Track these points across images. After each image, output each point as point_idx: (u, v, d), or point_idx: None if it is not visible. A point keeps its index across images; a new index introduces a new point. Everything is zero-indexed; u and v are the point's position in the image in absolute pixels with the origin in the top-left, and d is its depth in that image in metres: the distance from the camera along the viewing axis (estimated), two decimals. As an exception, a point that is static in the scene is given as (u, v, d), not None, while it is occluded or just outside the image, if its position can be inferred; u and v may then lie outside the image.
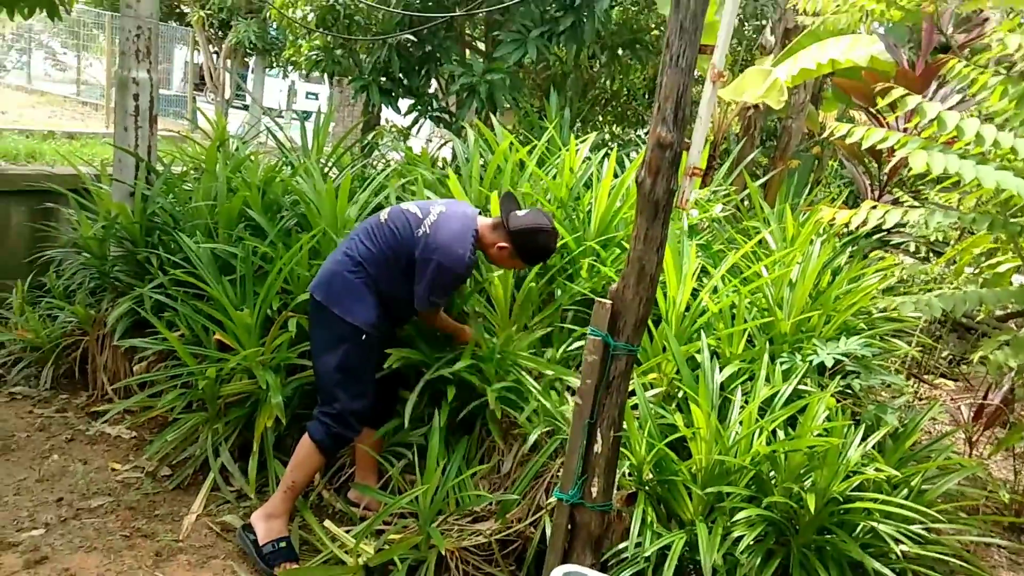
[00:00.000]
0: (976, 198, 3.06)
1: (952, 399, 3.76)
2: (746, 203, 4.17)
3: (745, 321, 2.80)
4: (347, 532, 2.53)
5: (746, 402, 2.46)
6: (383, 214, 2.65)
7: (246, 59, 15.90)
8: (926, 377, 3.73)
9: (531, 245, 2.55)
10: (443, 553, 2.38)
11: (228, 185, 3.50)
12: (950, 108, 2.58)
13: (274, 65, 14.86)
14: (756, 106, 5.07)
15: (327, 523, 2.57)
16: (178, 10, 12.66)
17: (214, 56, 12.89)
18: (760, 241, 3.31)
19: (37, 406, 3.28)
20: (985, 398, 3.29)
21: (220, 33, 12.31)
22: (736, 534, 2.13)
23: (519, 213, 2.57)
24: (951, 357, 4.25)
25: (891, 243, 3.43)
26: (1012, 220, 2.46)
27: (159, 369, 3.12)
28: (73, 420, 3.20)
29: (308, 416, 2.67)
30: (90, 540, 2.44)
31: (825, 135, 3.17)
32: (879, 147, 2.31)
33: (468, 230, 2.54)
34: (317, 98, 15.97)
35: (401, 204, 2.71)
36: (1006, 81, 2.32)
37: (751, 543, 2.13)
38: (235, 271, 3.11)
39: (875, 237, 3.35)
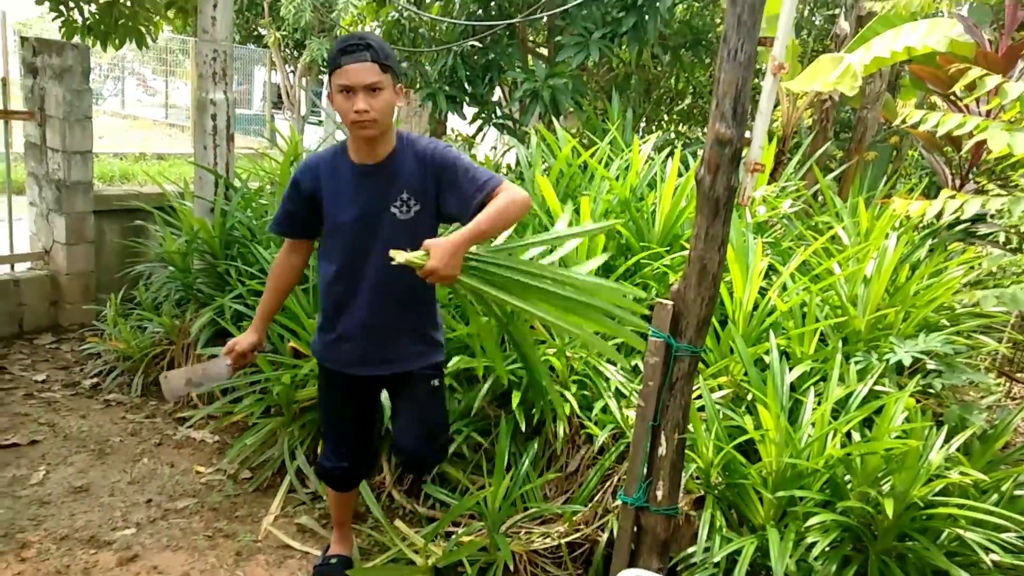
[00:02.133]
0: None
1: (1051, 399, 3.52)
2: (819, 198, 4.03)
3: (817, 320, 2.71)
4: (416, 533, 2.58)
5: (818, 403, 2.37)
6: None
7: (320, 76, 16.44)
8: (1018, 376, 3.50)
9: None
10: (512, 556, 2.39)
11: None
12: (1036, 89, 2.42)
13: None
14: (830, 97, 4.89)
15: (397, 523, 2.62)
16: (256, 32, 13.22)
17: (290, 75, 13.40)
18: (832, 237, 3.19)
19: (129, 412, 3.48)
20: (1087, 398, 3.06)
21: (295, 53, 12.80)
22: (810, 540, 2.06)
23: None
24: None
25: (977, 234, 3.24)
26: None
27: (239, 376, 3.26)
28: (161, 425, 3.39)
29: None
30: (176, 540, 2.57)
31: (901, 124, 3.03)
32: (956, 133, 2.19)
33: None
34: (387, 111, 16.30)
35: None
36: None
37: (826, 549, 2.05)
38: (307, 281, 3.22)
39: (958, 228, 3.17)
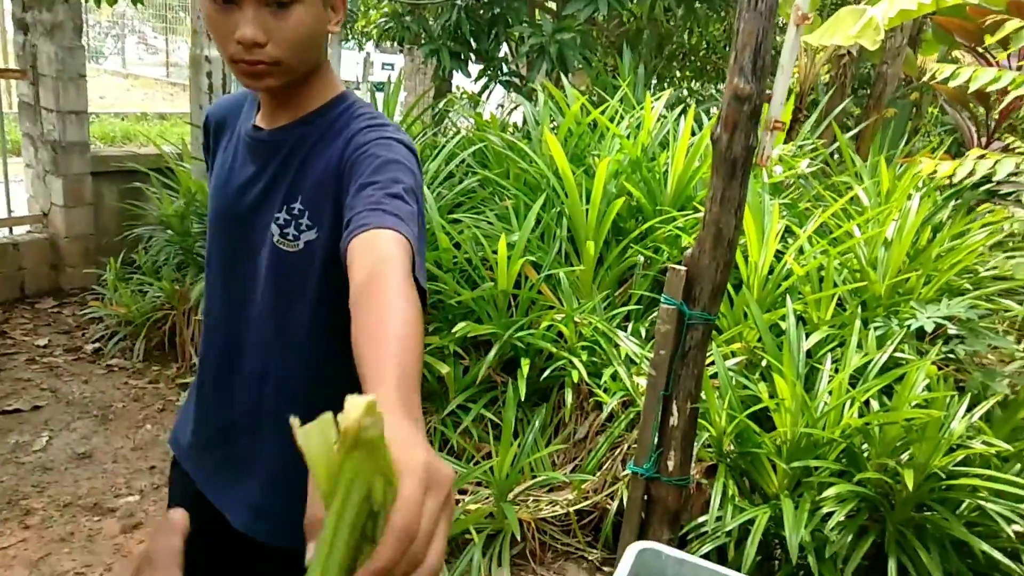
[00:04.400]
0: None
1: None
2: (836, 157, 3.90)
3: (835, 284, 2.62)
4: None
5: (836, 371, 2.30)
6: None
7: (322, 33, 16.09)
8: (1042, 341, 3.41)
9: None
10: (520, 524, 2.36)
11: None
12: (1074, 40, 2.29)
13: (349, 37, 15.01)
14: (848, 52, 4.72)
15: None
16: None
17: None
18: (852, 198, 3.08)
19: (132, 377, 3.44)
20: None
21: None
22: (825, 510, 2.01)
23: None
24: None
25: (999, 194, 3.12)
26: None
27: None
28: (164, 391, 3.35)
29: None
30: (181, 506, 2.55)
31: (925, 79, 2.88)
32: (989, 89, 2.07)
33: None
34: (392, 68, 16.04)
35: None
36: None
37: (842, 520, 2.00)
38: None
39: (982, 189, 3.05)
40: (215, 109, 1.24)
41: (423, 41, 5.20)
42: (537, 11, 5.28)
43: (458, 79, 5.82)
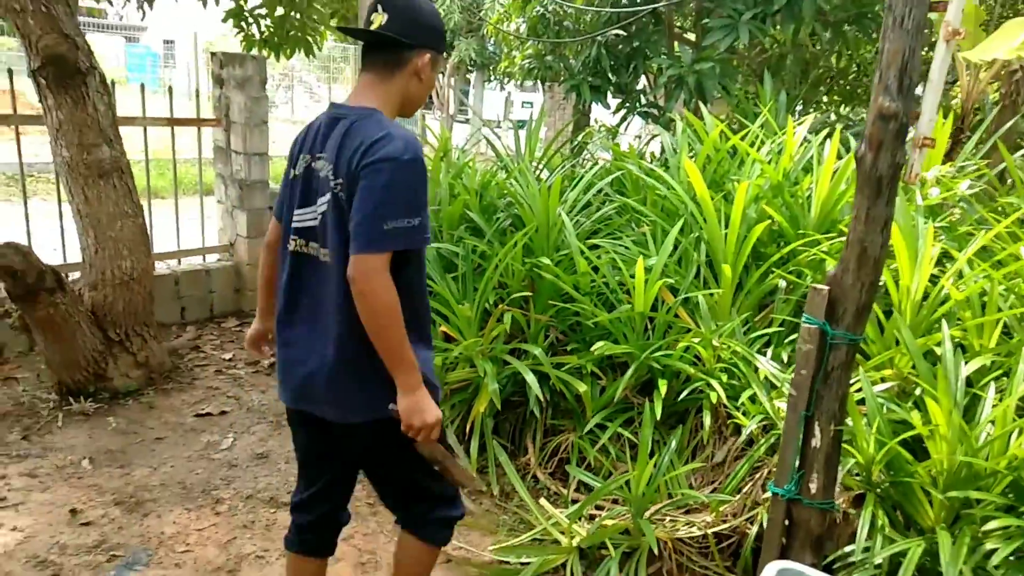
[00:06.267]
0: None
1: None
2: (1007, 180, 3.64)
3: (999, 310, 2.46)
4: (561, 513, 2.64)
5: (1000, 399, 2.16)
6: None
7: (467, 75, 16.99)
8: None
9: (438, 23, 1.76)
10: (656, 543, 2.39)
11: (450, 191, 3.80)
12: None
13: (492, 78, 15.72)
14: (1020, 68, 4.39)
15: (542, 501, 2.70)
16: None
17: (440, 75, 13.98)
18: (1020, 220, 2.88)
19: (301, 389, 3.81)
20: None
21: (444, 53, 13.35)
22: (989, 546, 1.89)
23: (382, 17, 1.66)
24: None
25: None
26: None
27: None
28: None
29: (520, 404, 2.82)
30: (342, 505, 2.80)
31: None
32: None
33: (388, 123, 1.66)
34: (532, 106, 16.58)
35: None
36: None
37: (1009, 558, 1.87)
38: (457, 268, 3.37)
39: None
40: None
41: (564, 78, 5.42)
42: (676, 43, 5.35)
43: (597, 112, 5.98)
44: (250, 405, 3.59)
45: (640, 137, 6.88)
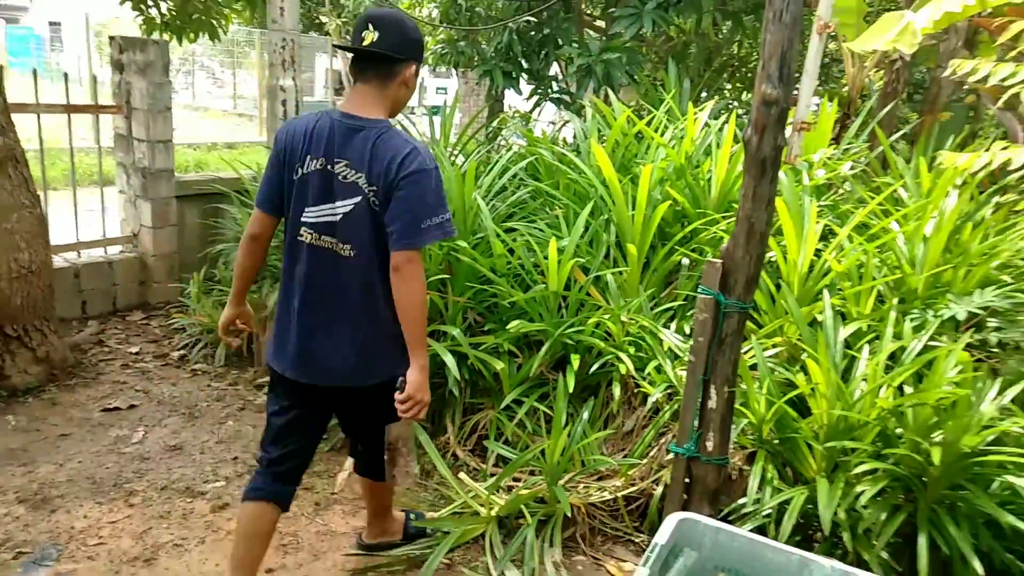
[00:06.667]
0: None
1: None
2: (885, 161, 3.96)
3: (873, 279, 2.71)
4: (480, 486, 2.73)
5: (873, 359, 2.39)
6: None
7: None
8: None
9: (420, 36, 2.01)
10: (570, 508, 2.51)
11: (364, 176, 3.80)
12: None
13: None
14: (900, 58, 4.75)
15: (461, 475, 2.78)
16: (317, 21, 13.57)
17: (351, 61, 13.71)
18: (893, 197, 3.16)
19: (214, 380, 3.75)
20: None
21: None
22: (859, 489, 2.11)
23: (373, 34, 1.88)
24: None
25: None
26: None
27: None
28: (243, 392, 3.64)
29: (440, 385, 2.89)
30: (262, 491, 2.80)
31: (964, 78, 2.94)
32: (1007, 83, 2.16)
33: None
34: (446, 92, 16.51)
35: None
36: None
37: (875, 497, 2.10)
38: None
39: (1027, 185, 3.09)
40: None
41: (476, 63, 5.47)
42: (586, 30, 5.49)
43: (510, 98, 6.07)
44: (160, 398, 3.51)
45: (553, 123, 7.02)
